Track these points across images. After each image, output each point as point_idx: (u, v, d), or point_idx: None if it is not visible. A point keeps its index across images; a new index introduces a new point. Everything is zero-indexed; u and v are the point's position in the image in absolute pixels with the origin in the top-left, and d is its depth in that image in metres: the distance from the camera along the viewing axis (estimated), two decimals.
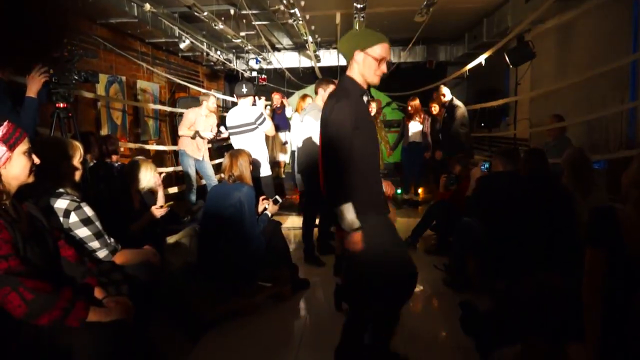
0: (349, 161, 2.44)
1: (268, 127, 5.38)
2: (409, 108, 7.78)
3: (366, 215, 2.47)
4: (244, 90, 5.36)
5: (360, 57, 2.51)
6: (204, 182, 7.47)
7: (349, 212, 2.40)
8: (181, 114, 7.53)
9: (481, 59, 7.43)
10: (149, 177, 3.72)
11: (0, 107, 3.39)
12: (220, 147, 8.77)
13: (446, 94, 7.00)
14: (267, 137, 5.63)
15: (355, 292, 2.81)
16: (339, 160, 2.43)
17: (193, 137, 6.81)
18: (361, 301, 2.74)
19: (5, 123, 1.96)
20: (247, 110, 5.35)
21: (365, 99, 2.64)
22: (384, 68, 2.55)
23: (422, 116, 7.74)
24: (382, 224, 2.61)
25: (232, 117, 5.44)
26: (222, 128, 6.92)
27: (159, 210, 3.75)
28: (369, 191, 2.55)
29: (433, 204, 5.75)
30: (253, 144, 5.23)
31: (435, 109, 7.61)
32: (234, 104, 5.73)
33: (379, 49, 2.50)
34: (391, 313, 2.77)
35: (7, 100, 3.47)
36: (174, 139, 7.07)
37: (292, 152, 7.19)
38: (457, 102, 6.94)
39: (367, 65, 2.52)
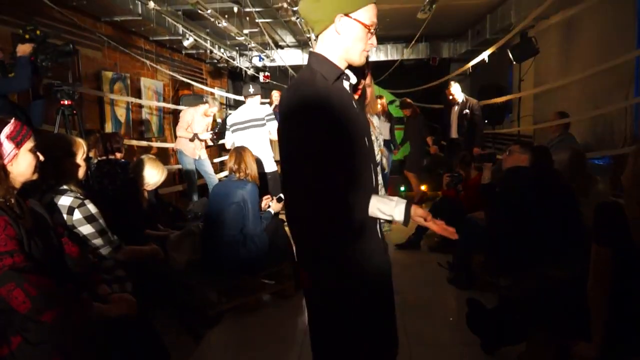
0: (334, 191, 1.61)
1: (275, 127, 5.43)
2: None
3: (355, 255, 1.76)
4: (251, 90, 5.65)
5: (345, 23, 1.64)
6: (204, 180, 7.46)
7: (380, 213, 1.68)
8: None
9: (484, 55, 7.40)
10: (155, 175, 3.75)
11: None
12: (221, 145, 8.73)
13: (455, 92, 6.96)
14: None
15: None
16: (324, 198, 1.60)
17: (192, 140, 6.79)
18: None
19: (12, 121, 1.97)
20: (257, 107, 5.60)
21: (346, 84, 1.77)
22: (374, 41, 1.71)
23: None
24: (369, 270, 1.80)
25: (238, 114, 5.63)
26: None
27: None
28: (360, 220, 1.70)
29: (438, 200, 5.74)
30: (258, 140, 5.40)
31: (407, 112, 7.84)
32: (236, 101, 5.81)
33: (369, 12, 1.67)
34: None
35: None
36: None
37: None
38: (471, 99, 6.93)
39: (353, 36, 1.66)
